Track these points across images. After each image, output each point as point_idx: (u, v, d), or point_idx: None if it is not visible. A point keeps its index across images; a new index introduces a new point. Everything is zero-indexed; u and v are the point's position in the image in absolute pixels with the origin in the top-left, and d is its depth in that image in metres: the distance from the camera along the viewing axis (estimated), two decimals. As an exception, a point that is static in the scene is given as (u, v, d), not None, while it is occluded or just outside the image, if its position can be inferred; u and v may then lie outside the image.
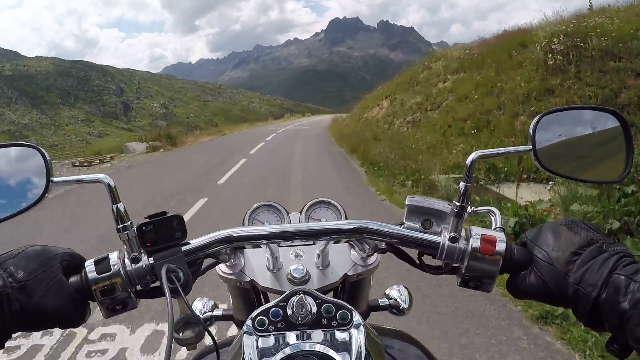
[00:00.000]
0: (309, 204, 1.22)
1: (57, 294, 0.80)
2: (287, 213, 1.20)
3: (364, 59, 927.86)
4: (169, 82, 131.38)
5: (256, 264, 1.10)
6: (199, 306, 1.26)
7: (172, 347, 0.72)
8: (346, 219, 1.18)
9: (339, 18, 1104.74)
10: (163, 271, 0.82)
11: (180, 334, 0.85)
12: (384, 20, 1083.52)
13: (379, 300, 1.29)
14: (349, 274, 1.09)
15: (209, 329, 0.91)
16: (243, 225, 1.16)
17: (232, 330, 1.02)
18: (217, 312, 1.27)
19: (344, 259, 1.11)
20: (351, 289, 1.13)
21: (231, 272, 1.09)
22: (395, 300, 1.28)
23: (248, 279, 1.08)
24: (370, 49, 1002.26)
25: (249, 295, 1.14)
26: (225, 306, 1.32)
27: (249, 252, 1.12)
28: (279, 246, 1.09)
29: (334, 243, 1.07)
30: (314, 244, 1.07)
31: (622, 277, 0.69)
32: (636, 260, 0.73)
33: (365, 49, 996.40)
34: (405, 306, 1.27)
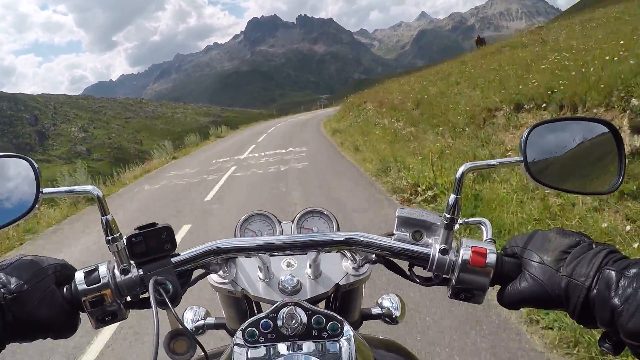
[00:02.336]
0: (300, 213, 1.21)
1: (49, 305, 0.80)
2: (279, 222, 1.20)
3: (287, 56, 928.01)
4: (87, 103, 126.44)
5: (248, 273, 1.10)
6: (190, 316, 1.25)
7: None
8: (338, 229, 1.18)
9: (257, 18, 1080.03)
10: (151, 284, 0.82)
11: (172, 347, 0.86)
12: (303, 14, 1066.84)
13: (372, 309, 1.29)
14: (341, 283, 1.09)
15: (201, 337, 0.93)
16: (235, 234, 1.17)
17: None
18: (209, 321, 1.26)
19: (335, 269, 1.11)
20: (343, 299, 1.14)
21: (223, 282, 1.09)
22: (388, 309, 1.28)
23: (240, 289, 1.07)
24: (291, 44, 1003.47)
25: (241, 304, 1.14)
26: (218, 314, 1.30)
27: (241, 261, 1.12)
28: (270, 256, 1.09)
29: (325, 253, 1.06)
30: (306, 253, 1.04)
31: (613, 271, 0.69)
32: (625, 255, 0.73)
33: (286, 45, 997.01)
34: (398, 314, 1.27)
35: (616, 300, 0.67)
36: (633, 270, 0.68)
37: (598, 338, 0.75)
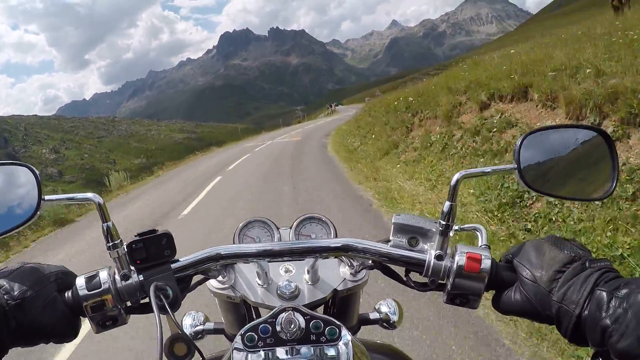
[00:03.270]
0: (299, 219, 1.23)
1: (52, 311, 0.82)
2: (277, 229, 1.21)
3: (260, 69, 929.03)
4: (59, 123, 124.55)
5: (246, 279, 1.11)
6: (189, 321, 1.26)
7: None
8: (336, 235, 1.19)
9: (229, 32, 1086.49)
10: (152, 289, 0.83)
11: (172, 351, 0.88)
12: (275, 27, 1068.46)
13: (370, 314, 1.30)
14: (339, 289, 1.10)
15: (200, 342, 0.95)
16: (234, 240, 1.18)
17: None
18: (208, 326, 1.27)
19: (333, 274, 1.13)
20: (341, 304, 1.15)
21: (222, 287, 1.10)
22: (385, 314, 1.29)
23: (238, 294, 1.09)
24: (264, 57, 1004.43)
25: (239, 309, 1.16)
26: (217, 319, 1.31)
27: (240, 267, 1.13)
28: (269, 262, 1.10)
29: (323, 259, 1.08)
30: (304, 259, 1.07)
31: (604, 292, 0.70)
32: (619, 275, 0.74)
33: (259, 58, 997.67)
34: (396, 319, 1.29)
35: (607, 321, 0.67)
36: (624, 291, 0.68)
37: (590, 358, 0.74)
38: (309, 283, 1.10)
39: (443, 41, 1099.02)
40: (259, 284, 1.10)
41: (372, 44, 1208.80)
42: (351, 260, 1.10)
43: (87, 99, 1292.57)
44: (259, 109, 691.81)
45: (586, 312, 0.71)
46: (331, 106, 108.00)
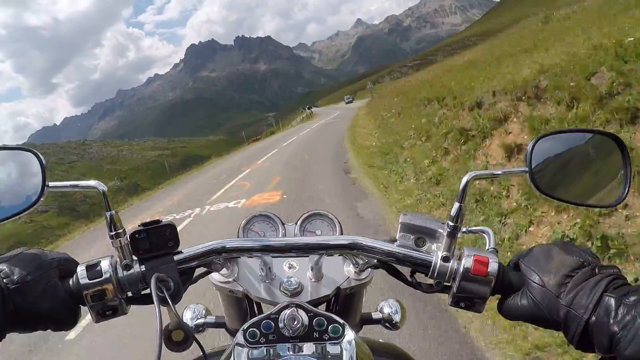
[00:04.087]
0: (304, 216, 1.21)
1: (51, 297, 0.82)
2: (283, 224, 1.20)
3: (229, 79, 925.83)
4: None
5: (250, 273, 1.09)
6: (190, 314, 1.25)
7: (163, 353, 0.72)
8: (341, 232, 1.18)
9: (195, 44, 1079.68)
10: (153, 280, 0.81)
11: (170, 337, 0.85)
12: (240, 35, 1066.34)
13: (372, 314, 1.30)
14: (342, 287, 1.09)
15: (200, 335, 0.94)
16: (238, 234, 1.17)
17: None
18: (209, 319, 1.26)
19: (337, 272, 1.11)
20: (344, 302, 1.14)
21: (225, 281, 1.09)
22: (388, 314, 1.28)
23: (241, 289, 1.08)
24: (232, 67, 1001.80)
25: (241, 304, 1.15)
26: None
27: (243, 261, 1.11)
28: (273, 257, 1.09)
29: (327, 256, 1.06)
30: (307, 256, 1.06)
31: (613, 298, 0.69)
32: (628, 282, 0.74)
33: (227, 68, 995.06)
34: (398, 320, 1.28)
35: (615, 327, 0.67)
36: (632, 298, 0.68)
37: None
38: (313, 280, 1.09)
39: (409, 36, 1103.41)
40: (262, 279, 1.08)
41: (339, 45, 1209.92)
42: (356, 259, 1.08)
43: (58, 124, 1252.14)
44: (231, 119, 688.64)
45: (594, 318, 0.70)
46: (307, 109, 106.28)
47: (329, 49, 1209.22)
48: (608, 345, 0.68)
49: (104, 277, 0.85)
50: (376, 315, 1.29)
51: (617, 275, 0.74)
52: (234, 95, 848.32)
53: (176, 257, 0.91)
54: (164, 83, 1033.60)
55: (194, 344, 0.87)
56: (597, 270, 0.75)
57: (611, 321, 0.68)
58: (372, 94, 51.66)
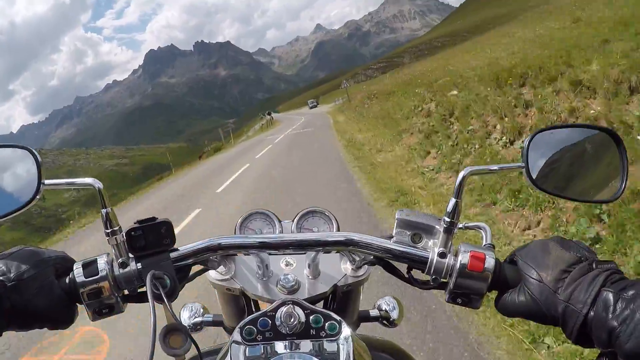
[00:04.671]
0: (301, 213, 1.22)
1: (48, 295, 0.81)
2: (279, 221, 1.20)
3: (188, 84, 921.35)
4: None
5: (247, 271, 1.10)
6: (187, 313, 1.27)
7: (155, 355, 0.72)
8: (338, 229, 1.17)
9: (154, 49, 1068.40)
10: (148, 278, 0.82)
11: (168, 342, 0.85)
12: (200, 41, 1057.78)
13: (370, 311, 1.30)
14: (339, 284, 1.09)
15: (197, 334, 0.95)
16: (235, 232, 1.17)
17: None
18: (207, 318, 1.27)
19: (334, 269, 1.11)
20: (341, 299, 1.14)
21: (221, 278, 1.09)
22: (385, 311, 1.29)
23: (238, 286, 1.08)
24: (191, 72, 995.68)
25: (239, 301, 1.15)
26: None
27: (240, 259, 1.12)
28: (270, 254, 1.09)
29: (324, 253, 1.06)
30: (304, 253, 1.05)
31: (611, 293, 0.70)
32: (626, 276, 0.74)
33: (186, 74, 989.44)
34: (396, 318, 1.29)
35: (614, 322, 0.67)
36: (631, 292, 0.69)
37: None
38: (310, 277, 1.09)
39: (369, 40, 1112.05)
40: (259, 277, 1.08)
41: (298, 50, 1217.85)
42: (353, 256, 1.07)
43: (15, 132, 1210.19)
44: (191, 126, 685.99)
45: (592, 313, 0.71)
46: (267, 114, 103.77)
47: (288, 54, 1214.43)
48: (607, 339, 0.69)
49: (100, 275, 0.85)
50: (373, 312, 1.30)
51: (614, 270, 0.74)
52: (194, 102, 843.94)
53: (172, 255, 0.90)
54: (122, 89, 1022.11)
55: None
56: (594, 265, 0.75)
57: (610, 316, 0.68)
58: (348, 94, 47.52)
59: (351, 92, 50.82)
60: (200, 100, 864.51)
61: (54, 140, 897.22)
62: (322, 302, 1.13)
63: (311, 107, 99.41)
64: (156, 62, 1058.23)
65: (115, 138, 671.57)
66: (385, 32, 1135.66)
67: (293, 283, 1.05)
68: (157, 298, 0.81)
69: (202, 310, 1.29)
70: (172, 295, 0.86)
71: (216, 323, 1.27)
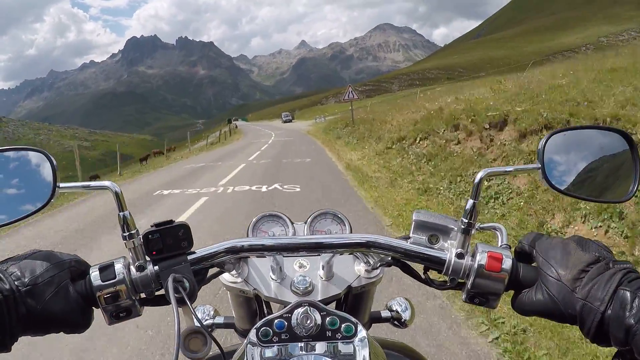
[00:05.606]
0: (313, 215, 1.22)
1: (64, 299, 0.81)
2: (292, 223, 1.21)
3: (164, 78, 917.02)
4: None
5: (260, 273, 1.10)
6: (199, 315, 1.26)
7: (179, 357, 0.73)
8: (351, 231, 1.19)
9: (137, 37, 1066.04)
10: (170, 280, 0.82)
11: (187, 346, 0.86)
12: (183, 36, 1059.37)
13: (381, 312, 1.31)
14: (353, 285, 1.09)
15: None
16: (247, 234, 1.18)
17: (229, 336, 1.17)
18: (218, 320, 1.28)
19: (348, 271, 1.11)
20: (354, 301, 1.15)
21: (235, 281, 1.10)
22: (397, 312, 1.29)
23: (252, 289, 1.08)
24: (169, 66, 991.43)
25: (251, 304, 1.17)
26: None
27: (253, 261, 1.12)
28: (285, 256, 1.09)
29: (341, 254, 1.07)
30: (319, 255, 1.06)
31: (628, 292, 0.71)
32: None
33: (164, 67, 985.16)
34: (407, 318, 1.29)
35: (631, 320, 0.68)
36: None
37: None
38: (324, 279, 1.08)
39: (350, 64, 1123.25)
40: (272, 279, 1.08)
41: (280, 62, 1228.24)
42: (367, 257, 1.08)
43: None
44: (160, 120, 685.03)
45: (609, 311, 0.71)
46: (232, 121, 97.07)
47: (269, 64, 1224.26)
48: (624, 338, 0.69)
49: (117, 278, 0.84)
50: (385, 313, 1.30)
51: (631, 269, 0.75)
52: (167, 96, 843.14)
53: (190, 257, 0.90)
54: (98, 71, 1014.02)
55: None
56: (611, 265, 0.76)
57: (627, 314, 0.68)
58: (352, 113, 28.15)
59: (342, 111, 44.69)
60: (173, 95, 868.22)
61: (20, 110, 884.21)
62: (334, 304, 1.14)
63: (285, 121, 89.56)
64: (137, 50, 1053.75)
65: (83, 119, 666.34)
66: (368, 59, 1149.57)
67: (307, 285, 1.05)
68: (179, 301, 0.81)
69: (213, 312, 1.29)
70: (192, 297, 0.85)
71: (227, 325, 1.28)
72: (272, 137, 37.91)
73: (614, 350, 0.75)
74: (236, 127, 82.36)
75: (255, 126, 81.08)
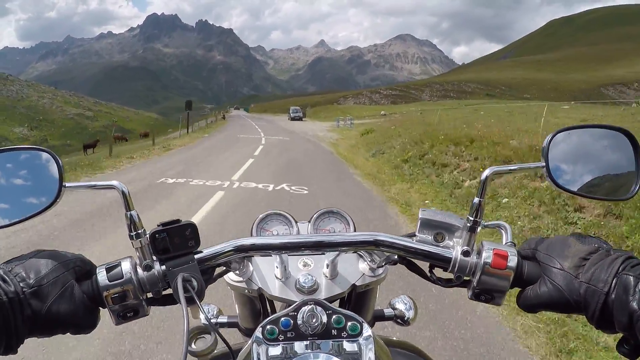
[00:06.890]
0: (317, 213, 1.22)
1: (69, 299, 0.80)
2: (296, 222, 1.20)
3: (179, 58, 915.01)
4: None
5: (264, 272, 1.10)
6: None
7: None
8: (355, 229, 1.19)
9: (157, 14, 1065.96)
10: (179, 280, 0.82)
11: (194, 345, 0.88)
12: (203, 20, 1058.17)
13: (384, 310, 1.31)
14: (357, 284, 1.10)
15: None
16: (251, 233, 1.17)
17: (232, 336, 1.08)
18: (221, 319, 1.28)
19: (352, 269, 1.12)
20: (357, 299, 1.15)
21: (239, 280, 1.09)
22: (400, 310, 1.29)
23: (256, 288, 1.08)
24: (185, 47, 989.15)
25: (255, 303, 1.16)
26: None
27: (257, 260, 1.12)
28: (290, 255, 1.10)
29: (346, 253, 1.08)
30: (323, 253, 1.06)
31: (631, 276, 0.71)
32: None
33: (180, 47, 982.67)
34: (410, 316, 1.29)
35: (634, 305, 0.68)
36: None
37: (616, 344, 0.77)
38: (328, 277, 1.09)
39: (366, 70, 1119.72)
40: (277, 278, 1.08)
41: (296, 59, 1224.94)
42: (372, 255, 1.09)
43: None
44: (169, 99, 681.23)
45: (613, 296, 0.72)
46: (234, 109, 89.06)
47: (285, 59, 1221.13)
48: (628, 322, 0.69)
49: (124, 278, 0.84)
50: (388, 311, 1.31)
51: (631, 255, 0.77)
52: (180, 77, 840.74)
53: (197, 257, 0.90)
54: (114, 43, 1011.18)
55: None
56: (611, 252, 0.78)
57: (630, 298, 0.69)
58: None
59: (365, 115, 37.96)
60: (186, 77, 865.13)
61: (31, 71, 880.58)
62: (337, 302, 1.14)
63: (293, 118, 67.78)
64: (155, 27, 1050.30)
65: (92, 89, 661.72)
66: (385, 67, 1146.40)
67: (312, 283, 1.05)
68: (188, 300, 0.81)
69: (216, 311, 1.29)
70: (200, 296, 0.85)
71: (231, 324, 1.28)
72: (259, 147, 21.98)
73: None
74: (224, 117, 72.78)
75: (251, 121, 63.40)
